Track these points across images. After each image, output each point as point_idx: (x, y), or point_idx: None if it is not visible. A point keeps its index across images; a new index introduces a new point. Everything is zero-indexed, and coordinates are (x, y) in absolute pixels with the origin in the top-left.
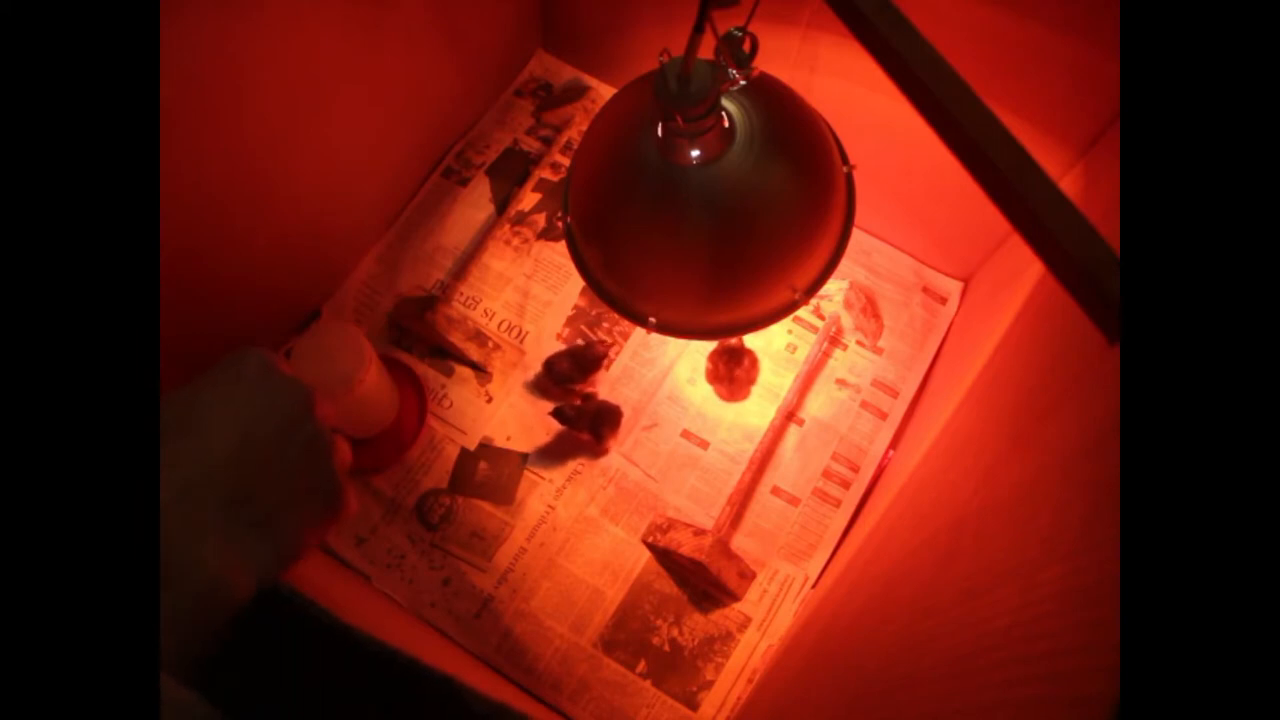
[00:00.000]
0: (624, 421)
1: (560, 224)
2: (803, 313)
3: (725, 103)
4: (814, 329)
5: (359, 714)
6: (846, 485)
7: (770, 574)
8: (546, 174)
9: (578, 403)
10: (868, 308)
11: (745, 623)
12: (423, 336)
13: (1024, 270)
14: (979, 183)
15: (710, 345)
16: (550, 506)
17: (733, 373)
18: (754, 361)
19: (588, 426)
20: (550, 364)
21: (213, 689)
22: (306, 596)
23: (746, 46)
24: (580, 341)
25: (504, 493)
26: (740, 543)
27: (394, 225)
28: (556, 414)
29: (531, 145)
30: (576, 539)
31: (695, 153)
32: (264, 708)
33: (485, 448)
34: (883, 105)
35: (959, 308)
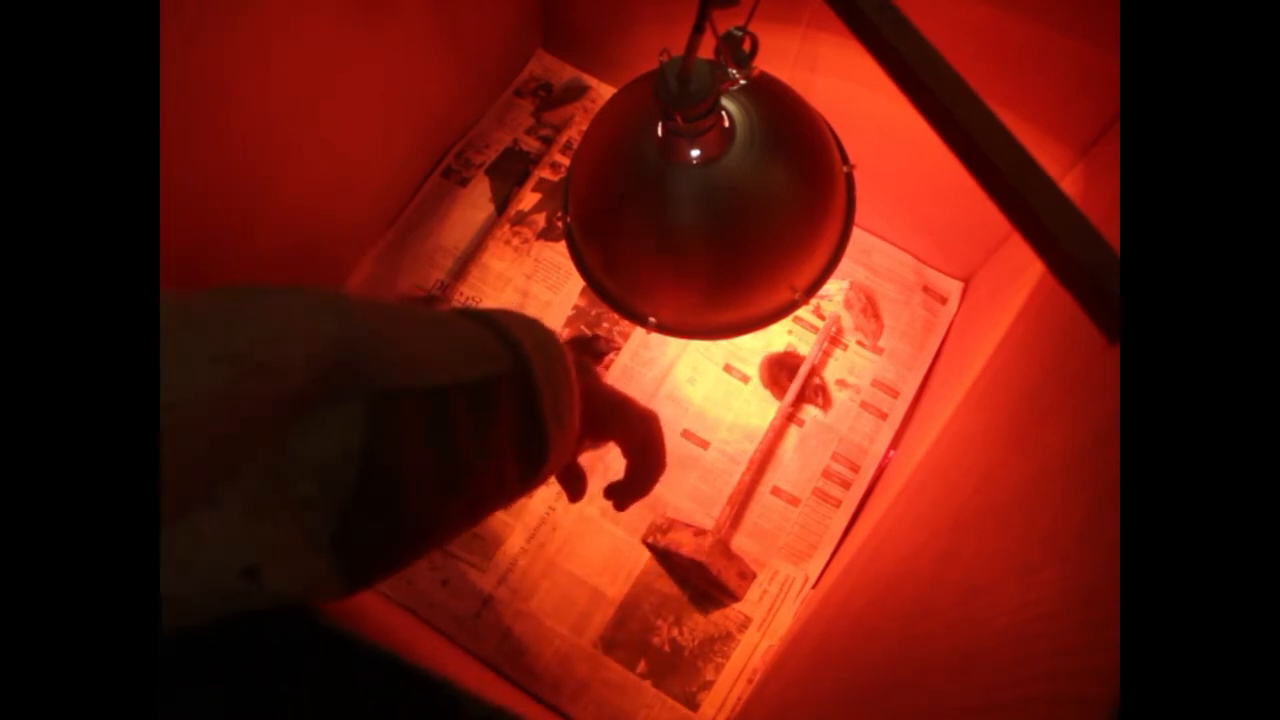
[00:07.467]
0: None
1: (560, 224)
2: (803, 313)
3: (725, 102)
4: (814, 329)
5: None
6: (847, 485)
7: (770, 574)
8: (546, 174)
9: None
10: (868, 308)
11: (745, 623)
12: None
13: (1024, 270)
14: (979, 183)
15: (710, 344)
16: (550, 507)
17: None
18: (821, 393)
19: None
20: None
21: (204, 694)
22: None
23: (746, 46)
24: (587, 331)
25: None
26: (740, 543)
27: (393, 225)
28: None
29: (531, 145)
30: (576, 539)
31: (695, 152)
32: (256, 713)
33: None
34: (883, 105)
35: (959, 307)
